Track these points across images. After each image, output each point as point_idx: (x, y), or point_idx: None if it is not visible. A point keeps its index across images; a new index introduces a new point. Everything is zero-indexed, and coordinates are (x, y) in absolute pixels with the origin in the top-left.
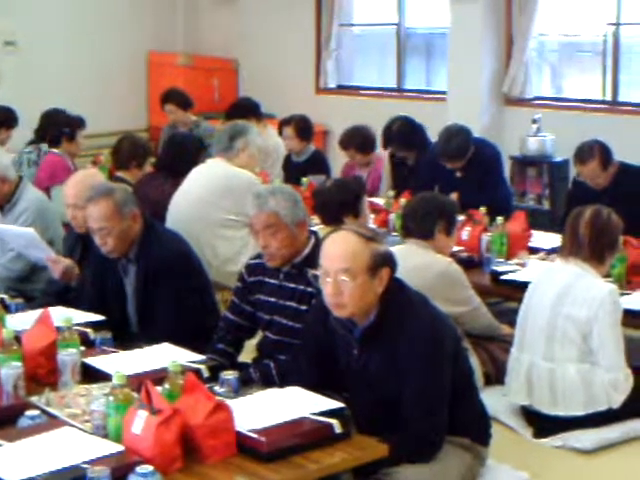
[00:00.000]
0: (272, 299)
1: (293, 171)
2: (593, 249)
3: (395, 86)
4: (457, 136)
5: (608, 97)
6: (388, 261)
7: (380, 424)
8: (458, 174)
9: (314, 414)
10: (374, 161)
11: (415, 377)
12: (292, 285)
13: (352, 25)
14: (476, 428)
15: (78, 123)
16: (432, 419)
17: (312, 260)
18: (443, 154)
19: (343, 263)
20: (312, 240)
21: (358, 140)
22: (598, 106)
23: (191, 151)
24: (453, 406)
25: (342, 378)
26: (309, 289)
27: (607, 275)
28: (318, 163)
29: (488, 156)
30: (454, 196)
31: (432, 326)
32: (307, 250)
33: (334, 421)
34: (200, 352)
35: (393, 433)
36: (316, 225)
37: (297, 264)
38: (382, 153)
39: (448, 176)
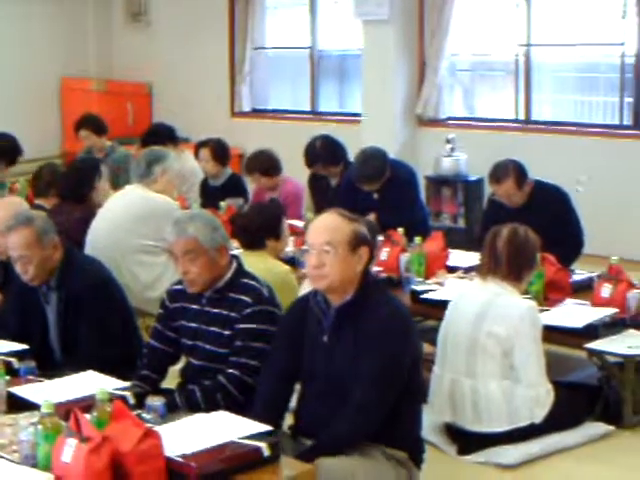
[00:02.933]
0: (195, 325)
1: (210, 195)
2: (511, 267)
3: (309, 109)
4: (373, 158)
5: (521, 116)
6: (368, 242)
7: (332, 418)
8: (375, 196)
9: (242, 438)
10: (281, 184)
11: (374, 355)
12: (215, 310)
13: (265, 48)
14: (414, 446)
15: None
16: (379, 395)
17: (234, 284)
18: (360, 177)
19: (326, 236)
20: (234, 264)
21: (261, 164)
22: (511, 125)
23: (89, 175)
24: (400, 413)
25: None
26: (232, 314)
27: (525, 292)
28: (235, 186)
29: (404, 177)
30: (372, 217)
31: (402, 317)
32: (229, 275)
33: (262, 444)
34: (124, 379)
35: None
36: (236, 249)
37: (219, 289)
38: (288, 176)
39: (365, 198)
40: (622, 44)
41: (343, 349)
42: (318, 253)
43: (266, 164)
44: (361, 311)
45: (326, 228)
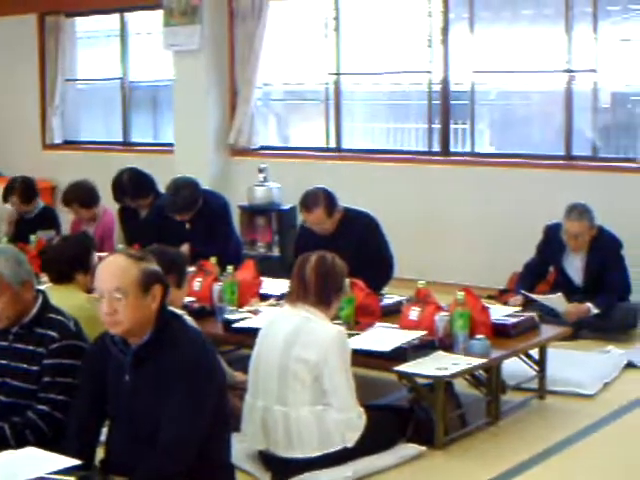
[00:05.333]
0: (2, 361)
1: (23, 228)
2: (319, 293)
3: (122, 140)
4: (184, 188)
5: (332, 144)
6: (160, 279)
7: (139, 458)
8: (187, 226)
9: (51, 473)
10: (100, 215)
11: (179, 394)
12: (21, 346)
13: (76, 80)
14: (223, 476)
15: None
16: (183, 435)
17: (40, 319)
18: (171, 207)
19: (114, 282)
20: (40, 299)
21: (79, 195)
22: (323, 154)
23: None
24: (207, 445)
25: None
26: (39, 349)
27: (336, 317)
28: (48, 219)
29: (216, 207)
30: (185, 248)
31: (203, 352)
32: (35, 310)
33: (71, 479)
34: None
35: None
36: (45, 284)
37: (25, 324)
38: (107, 207)
39: (178, 228)
40: (429, 72)
41: (145, 388)
42: (109, 300)
43: (84, 195)
44: (160, 349)
45: (113, 273)
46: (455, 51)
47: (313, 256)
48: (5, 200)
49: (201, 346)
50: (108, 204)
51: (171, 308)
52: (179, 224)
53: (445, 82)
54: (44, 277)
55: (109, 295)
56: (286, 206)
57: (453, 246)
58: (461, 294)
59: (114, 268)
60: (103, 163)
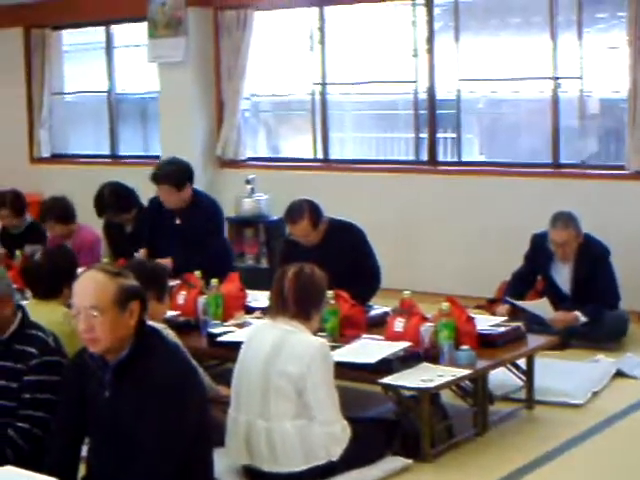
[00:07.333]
0: None
1: (10, 243)
2: (298, 306)
3: (109, 153)
4: (175, 162)
5: (319, 155)
6: (137, 294)
7: (121, 474)
8: (178, 221)
9: None
10: (76, 232)
11: (158, 410)
12: (0, 363)
13: (64, 93)
14: None
15: None
16: (164, 450)
17: (20, 336)
18: (156, 173)
19: (91, 300)
20: (19, 315)
21: (55, 212)
22: (310, 164)
23: None
24: (190, 461)
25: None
26: (19, 365)
27: (321, 329)
28: (35, 233)
29: (208, 204)
30: (167, 261)
31: (183, 367)
32: (14, 326)
33: None
34: None
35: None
36: (29, 299)
37: (4, 341)
38: (83, 224)
39: (169, 223)
40: (415, 81)
41: (125, 404)
42: (86, 317)
43: (60, 211)
44: (140, 365)
45: (90, 290)
46: (441, 60)
47: (291, 269)
48: None
49: (180, 360)
50: (96, 218)
51: (151, 322)
52: (170, 219)
53: (431, 91)
54: (29, 292)
55: (85, 312)
56: (274, 217)
57: (441, 256)
58: (446, 304)
59: (90, 285)
60: (91, 177)
